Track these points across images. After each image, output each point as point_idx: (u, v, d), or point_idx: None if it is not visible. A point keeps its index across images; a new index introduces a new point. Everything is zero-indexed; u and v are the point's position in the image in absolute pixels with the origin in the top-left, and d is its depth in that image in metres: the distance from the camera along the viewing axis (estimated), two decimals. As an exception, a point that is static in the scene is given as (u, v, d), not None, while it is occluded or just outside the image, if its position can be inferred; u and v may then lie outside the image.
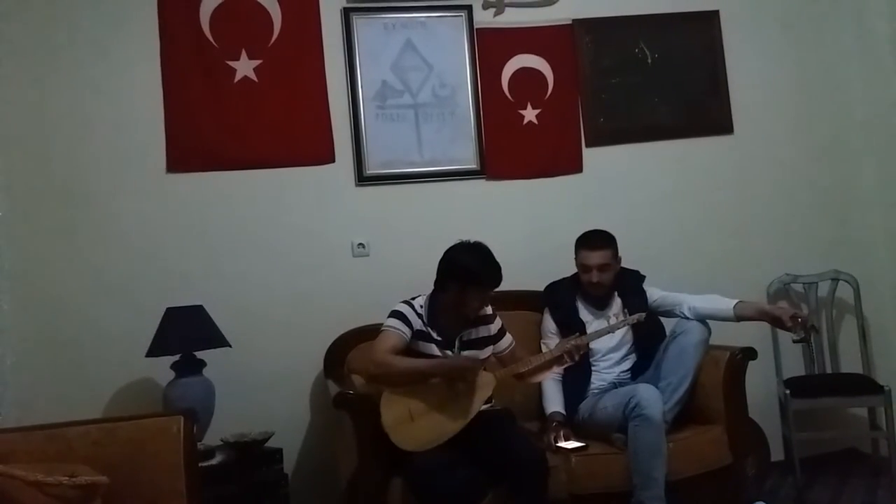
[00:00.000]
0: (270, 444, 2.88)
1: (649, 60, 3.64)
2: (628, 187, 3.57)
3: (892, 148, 3.64)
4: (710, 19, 3.68)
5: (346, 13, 3.36)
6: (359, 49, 3.36)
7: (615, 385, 2.92)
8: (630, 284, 3.06)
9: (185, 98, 3.18)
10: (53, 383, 2.97)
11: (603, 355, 2.99)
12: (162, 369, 2.89)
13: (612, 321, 2.94)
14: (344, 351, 3.04)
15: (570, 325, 2.97)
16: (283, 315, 3.21)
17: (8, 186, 3.00)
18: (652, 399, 2.61)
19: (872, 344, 3.58)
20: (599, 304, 3.04)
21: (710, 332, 2.84)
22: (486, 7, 3.51)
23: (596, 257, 2.97)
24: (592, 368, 2.97)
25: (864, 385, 3.36)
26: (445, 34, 3.46)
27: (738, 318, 2.85)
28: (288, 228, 3.27)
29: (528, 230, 3.44)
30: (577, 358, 2.68)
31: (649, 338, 2.98)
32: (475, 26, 3.48)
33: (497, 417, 2.64)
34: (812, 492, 3.23)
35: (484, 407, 2.60)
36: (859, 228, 3.74)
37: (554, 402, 2.89)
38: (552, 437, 2.72)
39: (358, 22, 3.37)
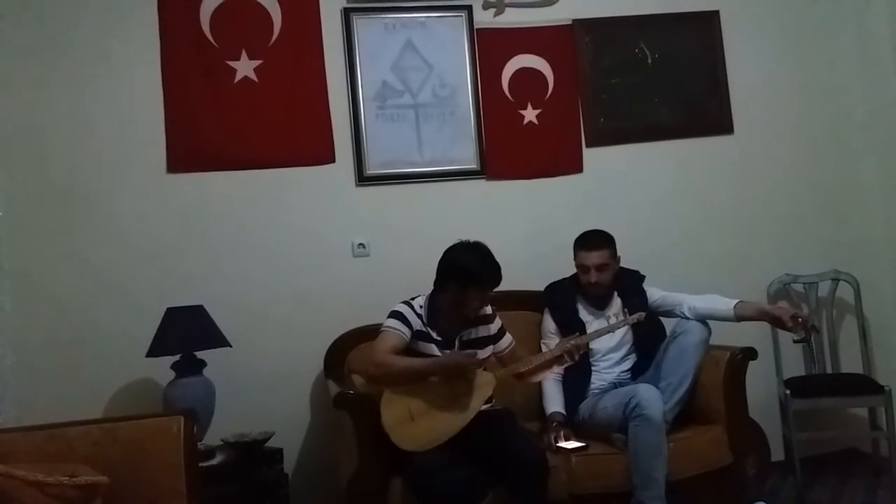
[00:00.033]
0: (271, 444, 2.88)
1: (649, 60, 3.64)
2: (628, 187, 3.57)
3: (892, 148, 3.64)
4: (710, 19, 3.69)
5: (347, 13, 3.36)
6: (359, 49, 3.36)
7: (615, 385, 2.92)
8: (630, 284, 3.06)
9: (185, 98, 3.18)
10: (53, 383, 2.97)
11: (603, 355, 2.99)
12: (162, 369, 2.89)
13: (612, 321, 2.94)
14: (344, 351, 3.04)
15: (570, 325, 2.97)
16: (284, 315, 3.21)
17: (8, 186, 3.00)
18: (652, 399, 2.61)
19: (873, 344, 3.58)
20: (599, 304, 3.04)
21: (710, 333, 2.84)
22: (486, 7, 3.51)
23: (594, 257, 2.97)
24: (592, 368, 2.97)
25: (864, 385, 3.36)
26: (445, 34, 3.46)
27: (739, 318, 2.85)
28: (288, 228, 3.27)
29: (529, 230, 3.44)
30: (577, 357, 2.68)
31: (649, 338, 2.98)
32: (475, 26, 3.48)
33: (497, 417, 2.64)
34: (812, 492, 3.23)
35: (484, 407, 2.60)
36: (859, 228, 3.74)
37: (554, 402, 2.90)
38: (552, 437, 2.72)
39: (358, 22, 3.37)
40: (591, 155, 3.56)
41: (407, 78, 3.42)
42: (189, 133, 3.18)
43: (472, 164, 3.45)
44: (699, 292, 2.96)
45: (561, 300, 3.08)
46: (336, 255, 3.30)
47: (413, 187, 3.40)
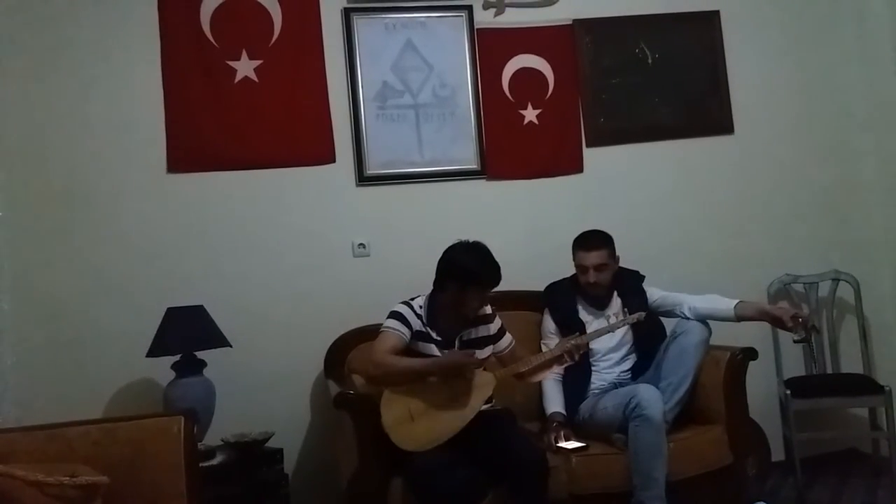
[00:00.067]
0: (271, 444, 2.88)
1: (649, 60, 3.64)
2: (628, 187, 3.57)
3: (893, 148, 3.64)
4: (710, 19, 3.69)
5: (347, 13, 3.36)
6: (359, 49, 3.36)
7: (615, 385, 2.92)
8: (629, 284, 3.06)
9: (185, 98, 3.18)
10: (53, 383, 2.97)
11: (603, 355, 2.98)
12: (162, 369, 2.89)
13: (612, 321, 2.93)
14: (344, 351, 3.04)
15: (570, 326, 2.97)
16: (284, 315, 3.21)
17: (8, 187, 3.00)
18: (652, 399, 2.61)
19: (873, 344, 3.58)
20: (599, 305, 3.04)
21: (710, 333, 2.84)
22: (486, 7, 3.51)
23: (592, 257, 2.97)
24: (592, 369, 2.97)
25: (864, 385, 3.36)
26: (446, 34, 3.46)
27: (739, 318, 2.85)
28: (288, 228, 3.27)
29: (529, 230, 3.44)
30: (576, 357, 2.68)
31: (649, 338, 2.98)
32: (475, 26, 3.48)
33: (497, 417, 2.64)
34: (812, 492, 3.23)
35: (484, 407, 2.60)
36: (859, 228, 3.74)
37: (554, 402, 2.89)
38: (552, 438, 2.72)
39: (358, 22, 3.37)
40: (591, 155, 3.56)
41: (407, 78, 3.42)
42: (189, 133, 3.18)
43: (473, 164, 3.45)
44: (699, 292, 2.96)
45: (561, 300, 3.08)
46: (336, 255, 3.30)
47: (413, 187, 3.40)
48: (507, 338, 2.78)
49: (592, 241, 3.00)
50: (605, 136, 3.58)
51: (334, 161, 3.32)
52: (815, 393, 3.35)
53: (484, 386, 2.59)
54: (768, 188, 3.70)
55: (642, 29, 3.63)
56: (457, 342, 2.65)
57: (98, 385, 3.01)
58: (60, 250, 3.05)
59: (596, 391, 2.92)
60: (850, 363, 3.58)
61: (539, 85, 3.54)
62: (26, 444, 2.01)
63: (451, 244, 2.65)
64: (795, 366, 3.57)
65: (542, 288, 3.16)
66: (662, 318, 3.06)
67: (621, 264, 3.07)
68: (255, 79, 3.25)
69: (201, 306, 2.94)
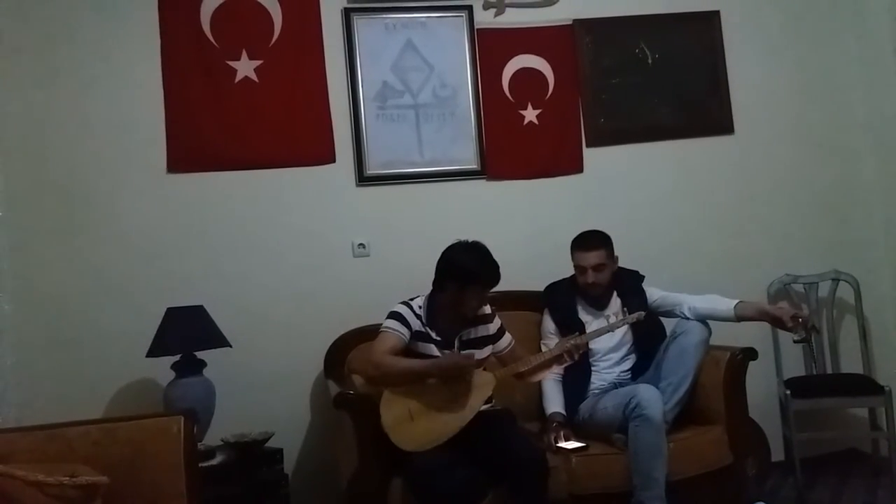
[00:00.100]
0: (271, 444, 2.88)
1: (649, 60, 3.64)
2: (628, 187, 3.57)
3: (893, 148, 3.64)
4: (710, 19, 3.69)
5: (347, 13, 3.36)
6: (359, 49, 3.36)
7: (615, 385, 2.92)
8: (629, 284, 3.06)
9: (185, 98, 3.18)
10: (53, 383, 2.97)
11: (603, 355, 2.99)
12: (162, 369, 2.89)
13: (612, 321, 2.93)
14: (344, 351, 3.04)
15: (570, 326, 2.97)
16: (284, 315, 3.21)
17: (8, 187, 3.01)
18: (652, 399, 2.61)
19: (873, 344, 3.58)
20: (598, 305, 3.04)
21: (710, 333, 2.84)
22: (486, 7, 3.51)
23: (590, 258, 2.97)
24: (592, 369, 2.97)
25: (864, 385, 3.36)
26: (446, 34, 3.46)
27: (739, 318, 2.85)
28: (288, 228, 3.27)
29: (529, 230, 3.44)
30: (576, 357, 2.68)
31: (649, 338, 2.98)
32: (476, 26, 3.48)
33: (497, 417, 2.64)
34: (812, 492, 3.23)
35: (484, 407, 2.60)
36: (859, 228, 3.74)
37: (554, 402, 2.89)
38: (552, 438, 2.72)
39: (358, 22, 3.37)
40: (591, 155, 3.56)
41: (407, 78, 3.42)
42: (189, 133, 3.18)
43: (473, 164, 3.45)
44: (699, 292, 2.96)
45: (560, 300, 3.08)
46: (336, 255, 3.30)
47: (413, 187, 3.40)
48: (507, 337, 2.78)
49: (590, 241, 3.00)
50: (605, 136, 3.58)
51: (334, 161, 3.32)
52: (815, 393, 3.35)
53: (483, 386, 2.59)
54: (768, 188, 3.70)
55: (642, 29, 3.63)
56: (456, 342, 2.65)
57: (98, 385, 3.02)
58: (60, 250, 3.05)
59: (596, 391, 2.92)
60: (850, 363, 3.58)
61: (539, 85, 3.54)
62: (26, 444, 2.01)
63: (450, 244, 2.65)
64: (795, 366, 3.57)
65: (541, 288, 3.16)
66: (662, 319, 3.06)
67: (621, 264, 3.07)
68: (255, 79, 3.25)
69: (201, 306, 2.94)
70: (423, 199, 3.39)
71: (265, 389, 3.12)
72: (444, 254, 2.64)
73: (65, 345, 3.01)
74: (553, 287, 3.14)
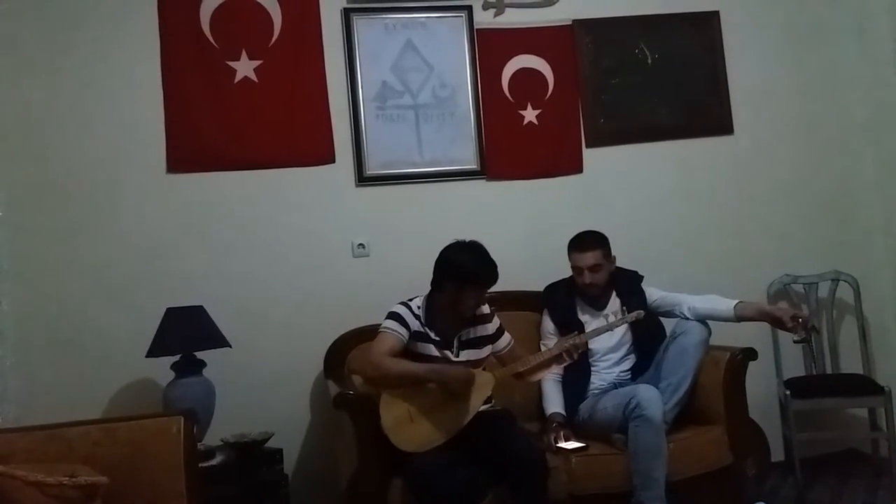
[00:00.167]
0: (270, 444, 2.88)
1: (649, 61, 3.64)
2: (628, 187, 3.57)
3: (893, 148, 3.64)
4: (710, 20, 3.69)
5: (347, 13, 3.36)
6: (359, 49, 3.36)
7: (615, 385, 2.92)
8: (628, 284, 3.05)
9: (185, 98, 3.18)
10: (53, 383, 2.97)
11: (602, 355, 2.99)
12: (162, 369, 2.89)
13: (611, 320, 2.93)
14: (344, 351, 3.04)
15: (569, 326, 2.96)
16: (284, 315, 3.21)
17: (8, 187, 3.00)
18: (652, 399, 2.61)
19: (873, 344, 3.58)
20: (598, 305, 3.04)
21: (710, 333, 2.84)
22: (486, 7, 3.51)
23: (587, 258, 2.97)
24: (592, 369, 2.97)
25: (864, 385, 3.36)
26: (446, 35, 3.46)
27: (739, 318, 2.85)
28: (288, 229, 3.27)
29: (528, 230, 3.45)
30: (575, 356, 2.68)
31: (649, 338, 2.98)
32: (475, 27, 3.48)
33: (497, 418, 2.64)
34: (812, 492, 3.23)
35: (484, 407, 2.60)
36: (859, 228, 3.74)
37: (554, 402, 2.89)
38: (552, 438, 2.72)
39: (358, 22, 3.37)
40: (591, 155, 3.56)
41: (407, 78, 3.42)
42: (189, 133, 3.18)
43: (472, 165, 3.45)
44: (699, 292, 2.96)
45: (560, 301, 3.08)
46: (336, 256, 3.30)
47: (413, 187, 3.40)
48: (506, 337, 2.78)
49: (586, 242, 3.00)
50: (605, 137, 3.58)
51: (334, 161, 3.32)
52: (815, 393, 3.35)
53: (483, 386, 2.59)
54: (768, 188, 3.70)
55: (642, 29, 3.63)
56: (455, 342, 2.65)
57: (98, 385, 3.01)
58: (60, 250, 3.05)
59: (595, 391, 2.92)
60: (850, 363, 3.58)
61: (539, 85, 3.54)
62: (26, 444, 2.01)
63: (447, 244, 2.65)
64: (795, 366, 3.57)
65: (541, 288, 3.16)
66: (662, 319, 3.06)
67: (621, 264, 3.07)
68: (255, 79, 3.25)
69: (201, 306, 2.94)
70: (422, 200, 3.39)
71: (265, 389, 3.12)
72: (441, 253, 2.64)
73: (65, 345, 3.01)
74: (552, 287, 3.14)
